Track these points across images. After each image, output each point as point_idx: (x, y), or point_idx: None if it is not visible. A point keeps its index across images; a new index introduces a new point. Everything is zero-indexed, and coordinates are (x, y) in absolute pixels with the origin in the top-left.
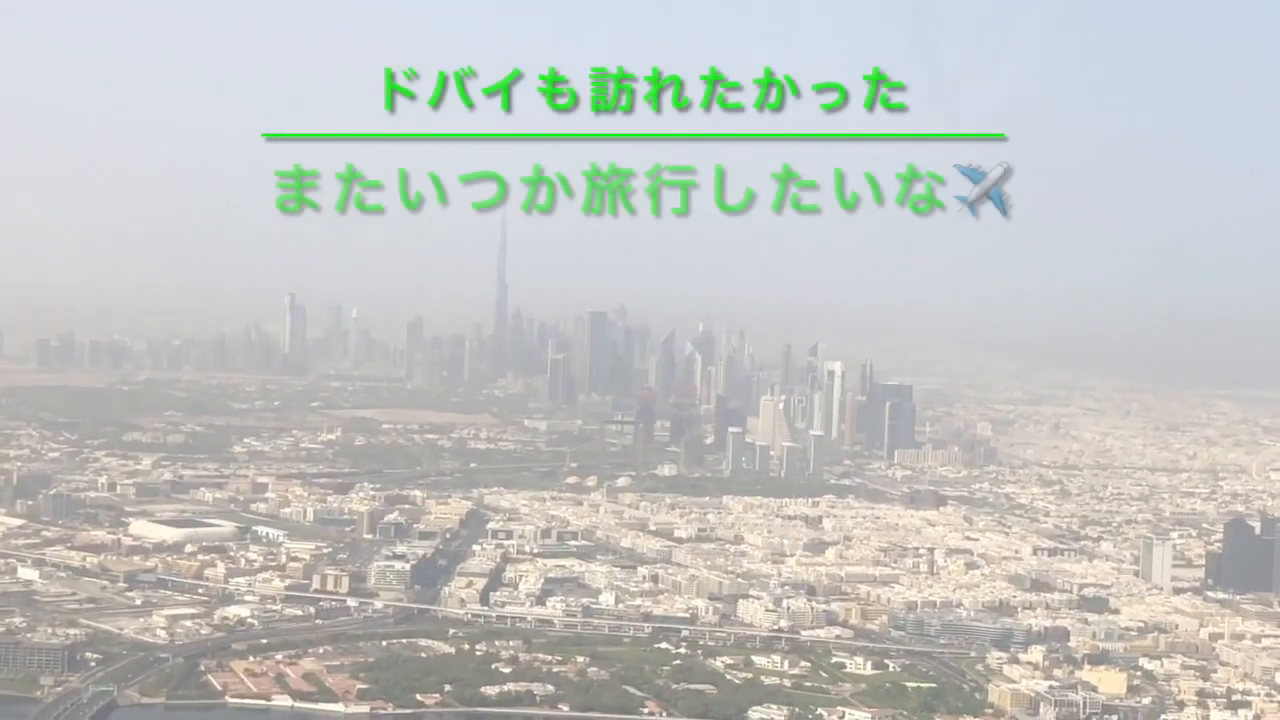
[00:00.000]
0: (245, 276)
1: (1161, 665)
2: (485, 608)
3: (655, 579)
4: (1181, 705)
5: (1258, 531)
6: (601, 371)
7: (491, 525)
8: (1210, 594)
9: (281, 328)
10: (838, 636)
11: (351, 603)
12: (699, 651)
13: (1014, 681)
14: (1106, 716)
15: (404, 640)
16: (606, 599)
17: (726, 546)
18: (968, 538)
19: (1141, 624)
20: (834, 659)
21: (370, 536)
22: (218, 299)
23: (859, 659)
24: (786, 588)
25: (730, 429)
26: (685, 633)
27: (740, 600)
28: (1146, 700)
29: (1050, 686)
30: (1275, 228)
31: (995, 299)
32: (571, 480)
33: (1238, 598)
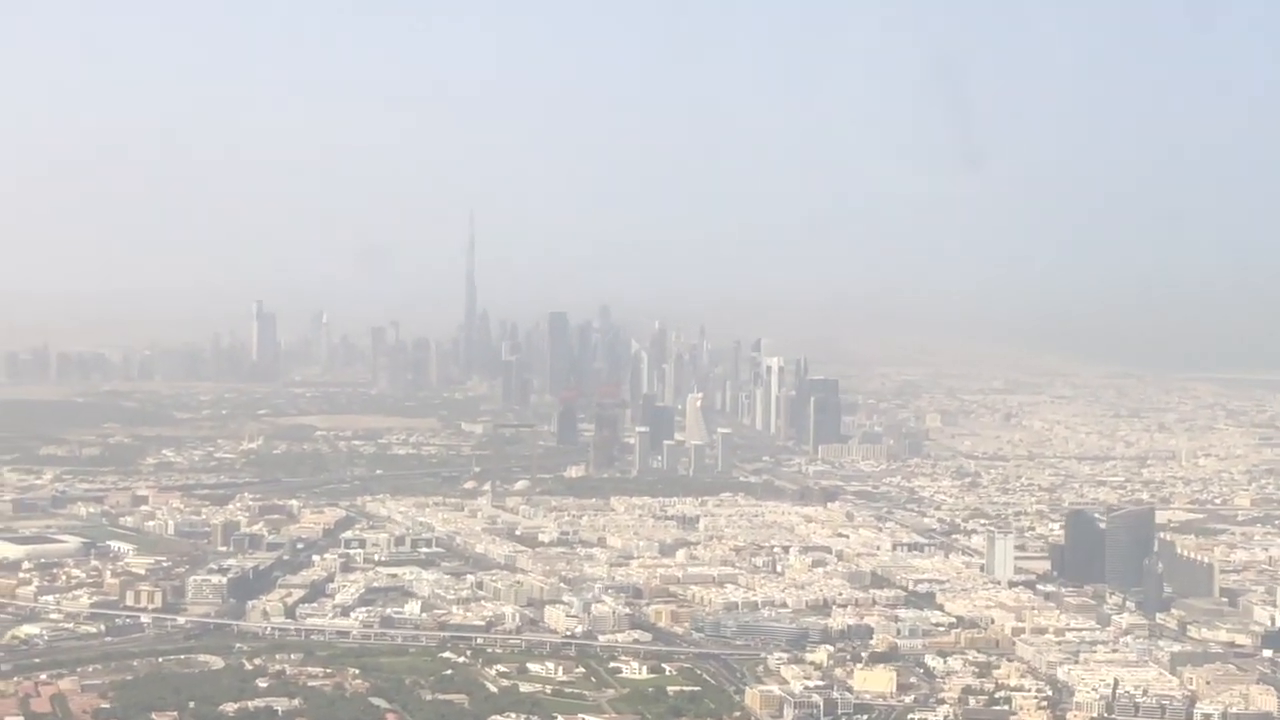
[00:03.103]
0: (220, 283)
1: (944, 662)
2: (288, 620)
3: (480, 585)
4: (940, 703)
5: (1101, 524)
6: (560, 372)
7: (346, 534)
8: (1040, 587)
9: (250, 335)
10: (635, 640)
11: (145, 619)
12: (480, 660)
13: (785, 682)
14: (857, 716)
15: (181, 656)
16: (411, 608)
17: (578, 550)
18: (838, 534)
19: (955, 619)
20: (613, 664)
21: (224, 548)
22: (194, 307)
23: (635, 664)
24: (609, 591)
25: (640, 428)
26: (479, 640)
27: (547, 606)
28: (910, 698)
29: (805, 687)
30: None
31: (1005, 286)
32: (469, 485)
33: (1063, 590)
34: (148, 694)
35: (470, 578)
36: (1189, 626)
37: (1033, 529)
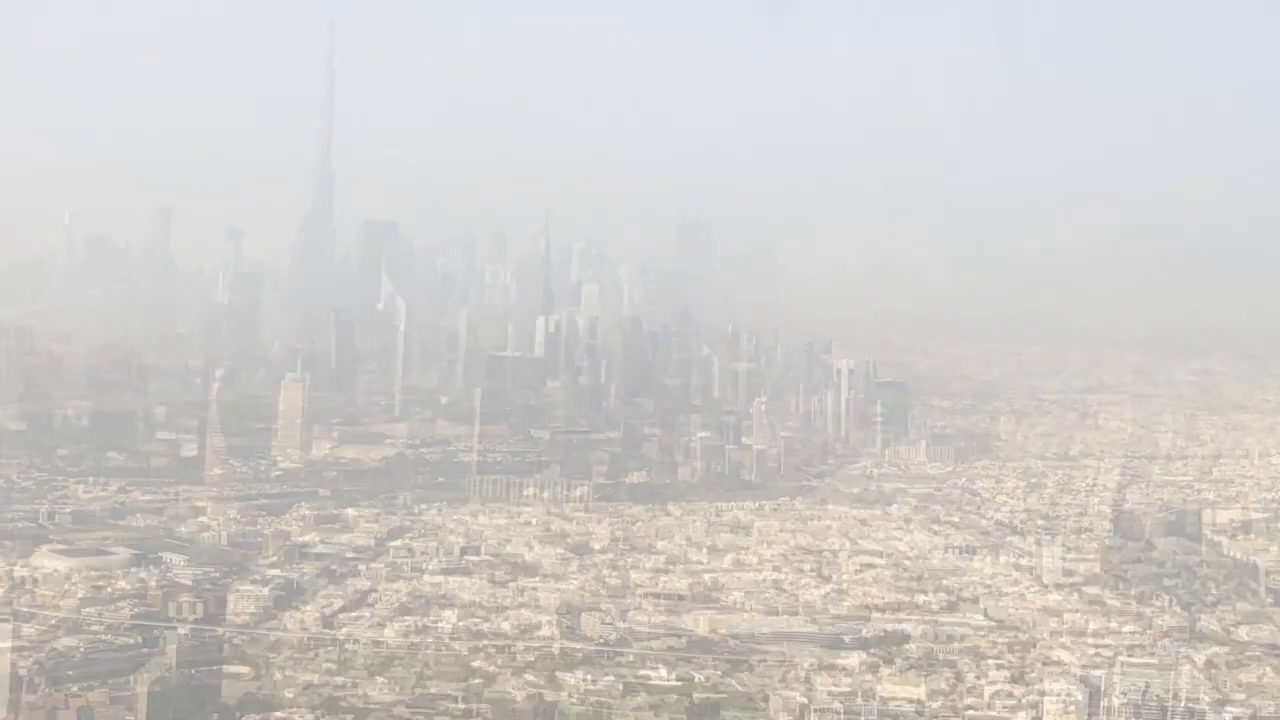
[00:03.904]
0: (296, 288)
1: (978, 667)
2: (325, 630)
3: (522, 593)
4: (968, 709)
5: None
6: (631, 377)
7: (395, 543)
8: (1085, 589)
9: (328, 342)
10: (669, 648)
11: (184, 630)
12: (509, 669)
13: (814, 689)
14: None
15: (214, 667)
16: (448, 617)
17: (626, 556)
18: (890, 537)
19: (995, 623)
20: (642, 671)
21: (274, 558)
22: (271, 313)
23: (664, 671)
24: (649, 597)
25: (702, 433)
26: (512, 649)
27: (584, 613)
28: (937, 704)
29: (829, 694)
30: None
31: (1088, 281)
32: (529, 492)
33: (1109, 592)
34: (174, 705)
35: (513, 585)
36: (1232, 629)
37: (1090, 530)
